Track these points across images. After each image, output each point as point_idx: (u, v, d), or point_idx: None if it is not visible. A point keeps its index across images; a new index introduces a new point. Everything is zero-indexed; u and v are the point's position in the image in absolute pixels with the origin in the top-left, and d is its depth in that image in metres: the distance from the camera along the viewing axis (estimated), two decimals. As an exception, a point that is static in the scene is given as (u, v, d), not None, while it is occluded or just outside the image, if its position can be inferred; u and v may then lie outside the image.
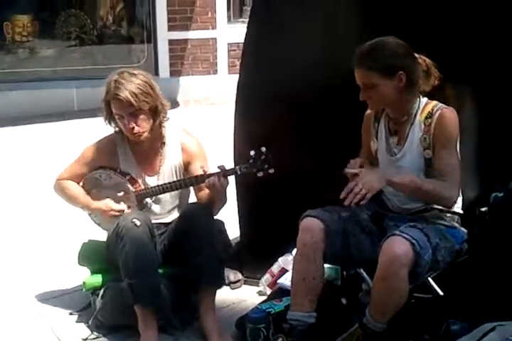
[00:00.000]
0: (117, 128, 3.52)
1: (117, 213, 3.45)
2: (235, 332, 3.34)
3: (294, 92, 3.60)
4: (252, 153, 3.30)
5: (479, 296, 2.95)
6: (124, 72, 3.44)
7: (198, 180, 3.39)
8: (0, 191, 5.91)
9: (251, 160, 3.30)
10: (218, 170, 3.30)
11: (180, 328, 3.41)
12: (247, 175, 3.32)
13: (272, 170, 3.29)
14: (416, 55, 2.99)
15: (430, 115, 2.95)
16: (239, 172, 3.32)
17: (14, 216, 5.28)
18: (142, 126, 3.38)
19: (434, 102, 3.01)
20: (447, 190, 2.92)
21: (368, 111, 3.19)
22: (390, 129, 3.10)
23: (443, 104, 2.98)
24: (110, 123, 3.52)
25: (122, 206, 3.47)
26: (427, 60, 3.04)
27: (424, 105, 3.00)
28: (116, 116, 3.39)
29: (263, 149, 3.28)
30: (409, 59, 2.95)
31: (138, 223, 3.24)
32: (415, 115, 3.00)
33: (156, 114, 3.44)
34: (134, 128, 3.35)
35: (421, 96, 3.03)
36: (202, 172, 3.35)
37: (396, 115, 3.06)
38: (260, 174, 3.30)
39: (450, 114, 2.94)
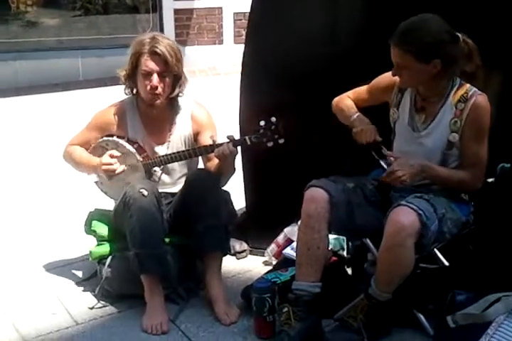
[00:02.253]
0: (129, 91, 3.51)
1: (106, 167, 3.42)
2: (240, 302, 3.36)
3: (299, 63, 3.59)
4: (262, 123, 3.26)
5: (485, 267, 2.95)
6: (156, 33, 3.47)
7: (207, 150, 3.39)
8: (6, 161, 5.91)
9: (261, 130, 3.27)
10: (227, 140, 3.30)
11: (185, 297, 3.43)
12: (257, 145, 3.31)
13: (282, 140, 3.27)
14: (460, 36, 2.90)
15: (464, 100, 2.90)
16: (249, 143, 3.30)
17: (20, 186, 5.30)
18: (164, 89, 3.38)
19: (468, 85, 2.94)
20: (473, 181, 2.96)
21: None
22: (417, 104, 3.05)
23: (477, 89, 2.93)
24: (128, 84, 3.49)
25: (113, 160, 3.42)
26: (470, 43, 2.93)
27: (458, 87, 2.95)
28: (143, 72, 3.35)
29: (273, 119, 3.25)
30: (449, 46, 2.85)
31: (145, 193, 3.24)
32: (447, 97, 2.95)
33: (177, 83, 3.45)
34: (157, 87, 3.34)
35: (455, 78, 2.96)
36: (211, 142, 3.34)
37: (427, 93, 3.00)
38: (270, 144, 3.28)
39: (485, 102, 2.90)
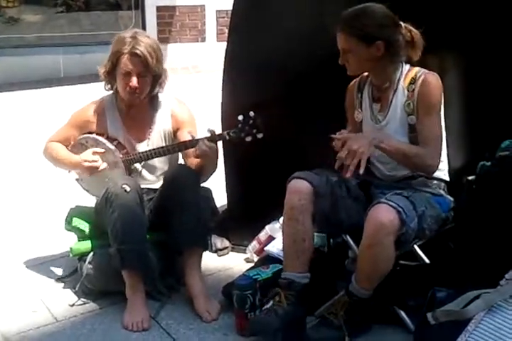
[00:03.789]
0: (109, 88, 3.51)
1: (90, 164, 3.42)
2: (221, 299, 3.35)
3: (281, 61, 3.58)
4: (240, 117, 3.28)
5: (465, 264, 2.97)
6: (138, 32, 3.45)
7: (186, 146, 3.39)
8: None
9: (239, 125, 3.29)
10: (206, 135, 3.30)
11: (166, 294, 3.42)
12: (235, 139, 3.31)
13: (260, 135, 3.29)
14: (402, 24, 2.99)
15: (414, 81, 2.97)
16: (227, 137, 3.31)
17: (0, 182, 5.26)
18: (143, 89, 3.38)
19: (417, 68, 3.02)
20: (429, 158, 2.95)
21: (351, 84, 3.21)
22: (374, 96, 3.12)
23: (426, 70, 3.00)
24: (108, 81, 3.48)
25: (95, 157, 3.43)
26: (413, 30, 3.01)
27: (407, 71, 3.02)
28: (122, 72, 3.35)
29: (251, 114, 3.27)
30: (390, 30, 2.95)
31: (128, 189, 3.23)
32: (398, 81, 3.01)
33: (157, 82, 3.45)
34: (136, 88, 3.34)
35: (403, 63, 3.03)
36: (190, 138, 3.34)
37: (378, 81, 3.08)
38: (249, 139, 3.29)
39: (433, 78, 2.95)
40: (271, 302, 3.02)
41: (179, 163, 3.65)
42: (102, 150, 3.45)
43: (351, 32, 2.92)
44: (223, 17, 10.14)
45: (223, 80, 3.83)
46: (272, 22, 3.63)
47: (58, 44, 9.67)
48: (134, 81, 3.33)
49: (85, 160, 3.43)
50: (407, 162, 2.97)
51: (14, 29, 9.76)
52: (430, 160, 2.95)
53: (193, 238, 3.34)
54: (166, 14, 10.26)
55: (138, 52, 3.31)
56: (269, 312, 2.95)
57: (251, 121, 3.28)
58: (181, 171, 3.42)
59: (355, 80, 3.19)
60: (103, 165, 3.44)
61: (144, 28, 9.95)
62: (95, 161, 3.43)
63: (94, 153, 3.44)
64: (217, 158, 3.41)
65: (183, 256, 3.38)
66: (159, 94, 3.55)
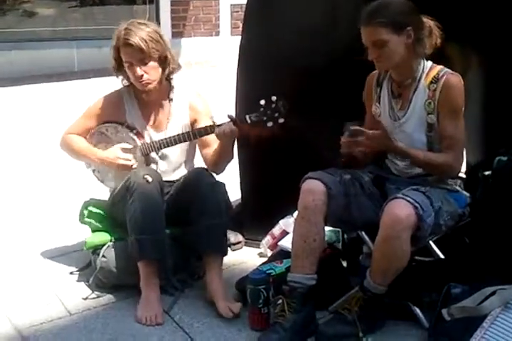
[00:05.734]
0: (126, 81, 3.53)
1: (124, 162, 3.43)
2: (235, 293, 3.35)
3: (296, 56, 3.57)
4: (263, 102, 3.26)
5: (481, 260, 2.95)
6: (133, 21, 3.45)
7: (207, 131, 3.37)
8: (1, 151, 5.89)
9: (261, 109, 3.26)
10: (228, 120, 3.29)
11: (180, 288, 3.41)
12: (257, 124, 3.28)
13: (282, 120, 3.25)
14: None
15: (436, 80, 2.92)
16: (249, 121, 3.28)
17: (15, 176, 5.28)
18: (151, 74, 3.38)
19: (440, 67, 2.97)
20: (453, 163, 2.95)
21: (371, 75, 3.17)
22: (394, 92, 3.08)
23: (448, 69, 2.95)
24: (119, 75, 3.51)
25: (129, 155, 3.44)
26: (429, 20, 2.98)
27: (429, 69, 2.98)
28: (126, 64, 3.37)
29: (273, 98, 3.24)
30: (415, 16, 2.92)
31: (150, 179, 3.23)
32: (419, 79, 2.97)
33: (165, 63, 3.44)
34: (142, 76, 3.35)
35: (425, 60, 2.99)
36: (211, 124, 3.35)
37: (400, 77, 3.03)
38: (270, 124, 3.26)
39: (456, 81, 2.91)
40: (278, 308, 3.02)
41: (196, 166, 3.64)
42: (130, 147, 3.46)
43: (380, 22, 2.84)
44: (237, 11, 10.12)
45: (237, 74, 3.82)
46: (286, 16, 3.61)
47: (72, 38, 9.69)
48: (138, 71, 3.35)
49: (119, 158, 3.43)
50: (431, 170, 2.99)
51: (28, 23, 9.77)
52: (453, 165, 2.96)
53: (214, 243, 3.33)
54: (180, 8, 10.24)
55: (130, 42, 3.32)
56: (275, 328, 2.94)
57: (273, 105, 3.25)
58: (201, 174, 3.41)
59: (375, 72, 3.14)
60: (135, 165, 3.45)
61: (158, 22, 9.93)
62: (128, 160, 3.44)
63: (124, 149, 3.45)
64: (233, 145, 3.42)
65: (203, 259, 3.37)
66: (179, 86, 3.57)
